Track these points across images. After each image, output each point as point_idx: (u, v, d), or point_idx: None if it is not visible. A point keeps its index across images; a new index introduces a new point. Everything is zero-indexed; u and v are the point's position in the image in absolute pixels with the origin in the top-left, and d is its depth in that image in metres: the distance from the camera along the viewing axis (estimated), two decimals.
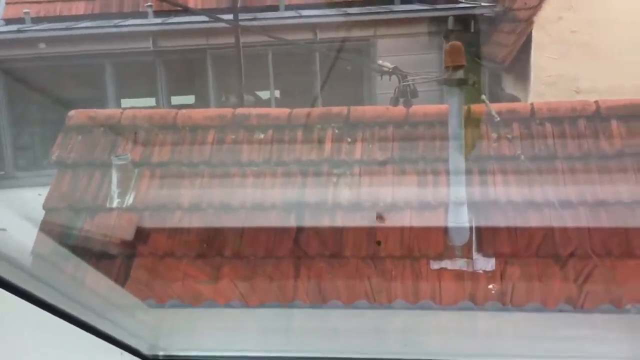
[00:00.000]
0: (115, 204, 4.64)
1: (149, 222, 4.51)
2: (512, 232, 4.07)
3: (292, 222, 4.39)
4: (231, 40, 8.25)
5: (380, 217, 4.21)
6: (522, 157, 4.16)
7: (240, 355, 1.37)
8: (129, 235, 4.45)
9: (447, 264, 4.14)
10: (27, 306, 1.03)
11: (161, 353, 1.36)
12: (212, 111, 5.24)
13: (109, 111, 5.77)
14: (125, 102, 9.11)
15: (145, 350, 1.34)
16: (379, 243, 4.16)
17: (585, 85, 6.68)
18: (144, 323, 1.39)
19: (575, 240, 3.95)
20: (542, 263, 3.90)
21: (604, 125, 4.31)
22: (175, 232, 4.41)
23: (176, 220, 4.48)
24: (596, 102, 4.42)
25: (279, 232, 4.36)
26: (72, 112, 5.06)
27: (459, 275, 4.06)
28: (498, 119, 4.22)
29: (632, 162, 4.14)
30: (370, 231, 4.28)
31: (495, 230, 4.12)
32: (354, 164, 4.59)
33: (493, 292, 3.73)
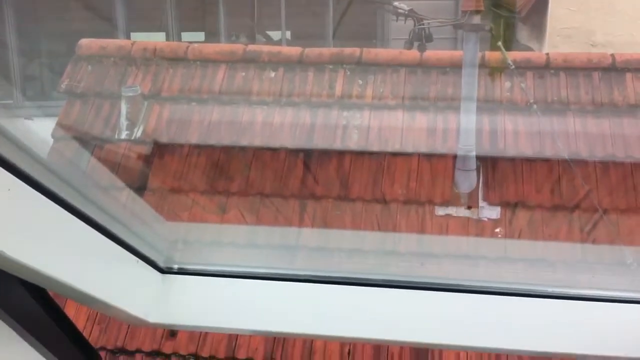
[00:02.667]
0: (123, 136, 4.65)
1: (157, 155, 4.52)
2: (520, 181, 4.07)
3: (299, 163, 4.41)
4: None
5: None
6: (535, 106, 4.13)
7: (251, 272, 1.39)
8: (136, 167, 4.48)
9: (452, 210, 4.17)
10: (47, 204, 1.04)
11: (176, 266, 1.38)
12: (224, 46, 5.18)
13: (120, 42, 5.71)
14: (135, 36, 9.01)
15: (160, 262, 1.36)
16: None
17: (601, 39, 6.58)
18: (161, 236, 1.41)
19: (582, 192, 3.96)
20: (548, 213, 3.92)
21: (618, 78, 4.26)
22: (183, 166, 4.43)
23: (184, 154, 4.49)
24: (612, 55, 4.36)
25: (287, 171, 4.38)
26: (82, 41, 5.01)
27: (463, 222, 4.10)
28: (513, 66, 4.18)
29: None
30: (377, 175, 4.30)
31: (503, 179, 4.13)
32: (364, 106, 4.57)
33: (500, 235, 3.77)
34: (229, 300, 1.35)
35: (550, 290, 1.42)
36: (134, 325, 1.32)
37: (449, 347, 1.50)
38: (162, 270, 1.36)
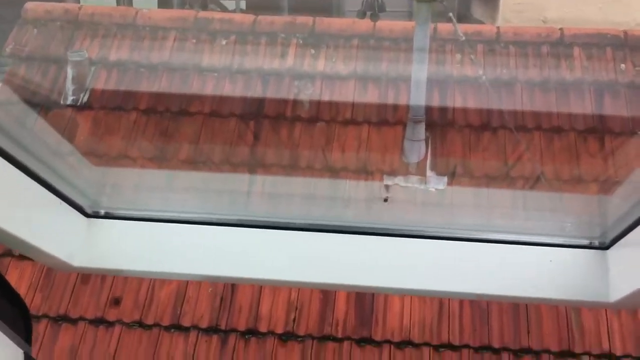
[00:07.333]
0: (70, 101, 4.54)
1: (104, 121, 4.44)
2: (467, 151, 4.11)
3: (249, 131, 4.37)
4: None
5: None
6: (484, 78, 4.16)
7: (182, 217, 1.37)
8: (81, 132, 4.39)
9: (400, 180, 4.18)
10: None
11: (102, 211, 1.35)
12: (174, 12, 5.09)
13: (67, 5, 5.55)
14: (86, 1, 8.78)
15: (86, 206, 1.33)
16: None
17: (553, 15, 6.67)
18: (88, 180, 1.37)
19: (529, 165, 4.02)
20: (493, 182, 3.98)
21: (567, 52, 4.32)
22: (131, 133, 4.36)
23: (131, 121, 4.41)
24: (561, 29, 4.41)
25: (236, 139, 4.34)
26: (28, 4, 4.88)
27: (411, 191, 4.12)
28: (463, 38, 4.19)
29: (590, 90, 4.18)
30: (327, 145, 4.30)
31: (451, 149, 4.16)
32: (316, 75, 4.54)
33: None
34: (156, 244, 1.33)
35: (491, 236, 1.42)
36: (59, 269, 1.28)
37: (393, 292, 1.51)
38: (88, 215, 1.33)
